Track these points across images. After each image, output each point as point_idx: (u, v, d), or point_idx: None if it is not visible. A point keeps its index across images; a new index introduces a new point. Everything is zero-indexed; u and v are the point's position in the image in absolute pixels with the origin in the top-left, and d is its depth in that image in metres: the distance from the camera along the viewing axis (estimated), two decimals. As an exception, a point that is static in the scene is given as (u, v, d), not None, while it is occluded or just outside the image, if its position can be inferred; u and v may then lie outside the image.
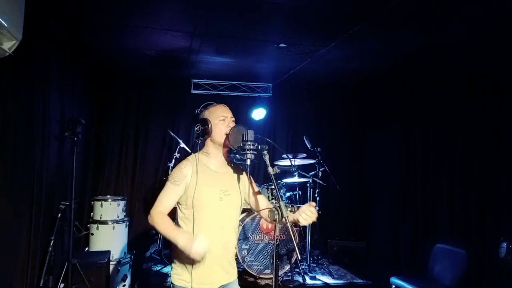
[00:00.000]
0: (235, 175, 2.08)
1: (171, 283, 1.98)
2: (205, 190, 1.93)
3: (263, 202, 2.13)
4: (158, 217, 1.89)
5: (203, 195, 1.93)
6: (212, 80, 5.64)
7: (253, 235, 4.39)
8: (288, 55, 4.28)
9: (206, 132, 1.98)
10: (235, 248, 2.10)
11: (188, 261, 1.90)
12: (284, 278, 4.39)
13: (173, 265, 2.01)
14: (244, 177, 2.11)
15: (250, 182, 2.12)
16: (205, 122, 1.99)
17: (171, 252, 2.04)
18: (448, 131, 4.41)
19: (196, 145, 2.04)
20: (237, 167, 2.12)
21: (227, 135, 1.94)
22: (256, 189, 2.15)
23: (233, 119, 2.04)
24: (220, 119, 1.99)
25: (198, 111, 2.09)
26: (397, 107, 5.44)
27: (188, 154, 5.30)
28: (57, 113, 3.80)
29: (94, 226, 4.12)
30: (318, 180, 4.95)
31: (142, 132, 5.86)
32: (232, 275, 2.05)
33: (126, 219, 4.39)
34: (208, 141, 2.04)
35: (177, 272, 1.96)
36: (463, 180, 4.16)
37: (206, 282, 1.92)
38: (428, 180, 4.70)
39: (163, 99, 5.92)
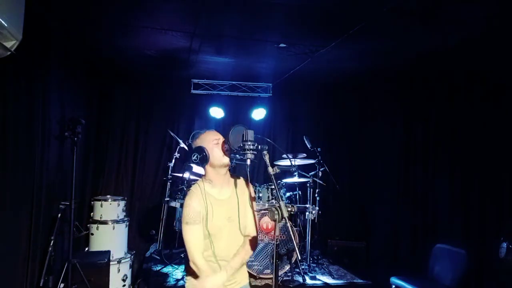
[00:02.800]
0: (238, 196, 2.11)
1: None
2: (215, 221, 2.00)
3: (249, 226, 2.15)
4: (205, 267, 1.95)
5: (213, 226, 1.99)
6: (212, 80, 5.64)
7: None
8: (288, 55, 4.28)
9: (205, 160, 1.99)
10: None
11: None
12: (284, 278, 4.39)
13: (187, 277, 2.11)
14: (246, 193, 2.14)
15: (245, 200, 2.12)
16: (201, 150, 2.00)
17: (186, 266, 2.13)
18: (448, 131, 4.41)
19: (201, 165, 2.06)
20: (239, 184, 2.14)
21: (224, 141, 1.99)
22: (249, 210, 2.16)
23: (223, 140, 2.06)
24: (214, 143, 2.02)
25: (190, 142, 2.14)
26: (397, 107, 5.44)
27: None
28: (57, 113, 3.80)
29: (94, 226, 4.12)
30: (318, 180, 4.95)
31: (142, 132, 5.86)
32: (242, 281, 2.15)
33: (126, 219, 4.40)
34: (207, 168, 2.05)
35: (192, 284, 2.05)
36: (463, 180, 4.16)
37: None
38: (428, 180, 4.70)
39: (163, 99, 5.92)
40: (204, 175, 2.09)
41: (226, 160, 2.01)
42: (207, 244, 2.01)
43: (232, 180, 2.14)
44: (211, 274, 1.97)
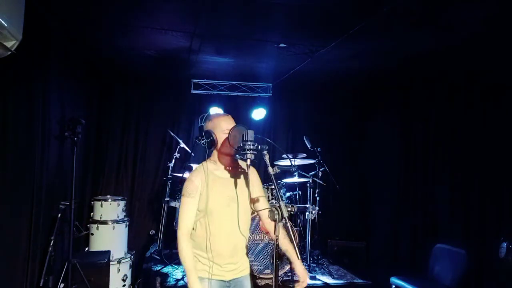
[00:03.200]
0: (242, 179, 2.12)
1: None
2: (215, 198, 2.01)
3: (263, 204, 2.17)
4: (186, 246, 1.99)
5: (213, 203, 2.01)
6: (212, 80, 5.64)
7: (253, 235, 4.39)
8: (288, 55, 4.28)
9: (212, 145, 2.04)
10: (246, 248, 2.18)
11: (200, 258, 2.04)
12: (284, 278, 4.39)
13: None
14: (252, 177, 2.14)
15: (253, 184, 2.15)
16: (209, 135, 2.05)
17: None
18: (448, 131, 4.41)
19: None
20: (244, 169, 2.13)
21: (226, 138, 1.98)
22: (259, 193, 2.18)
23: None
24: (225, 133, 2.03)
25: (202, 124, 2.14)
26: (397, 107, 5.44)
27: (188, 154, 5.35)
28: (57, 113, 3.80)
29: (94, 226, 4.12)
30: (318, 180, 4.95)
31: (142, 132, 5.86)
32: (244, 270, 2.17)
33: (126, 219, 4.39)
34: (214, 151, 2.10)
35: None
36: (463, 180, 4.16)
37: (219, 274, 2.05)
38: (428, 180, 4.71)
39: (163, 99, 5.92)
40: (209, 157, 2.13)
41: (233, 151, 2.02)
42: (202, 223, 2.02)
43: (237, 165, 2.15)
44: (190, 254, 1.99)
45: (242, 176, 2.13)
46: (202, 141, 2.04)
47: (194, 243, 2.08)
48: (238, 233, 2.07)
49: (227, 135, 2.01)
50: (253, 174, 2.18)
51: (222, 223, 2.03)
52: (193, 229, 2.09)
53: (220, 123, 2.08)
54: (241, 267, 2.14)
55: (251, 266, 4.30)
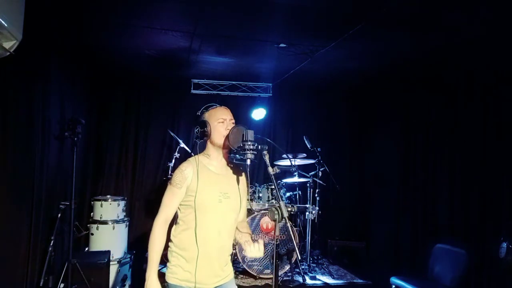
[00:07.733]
0: (235, 177, 2.09)
1: (166, 282, 2.02)
2: (206, 192, 1.95)
3: (242, 215, 2.19)
4: (160, 235, 1.98)
5: (204, 197, 1.94)
6: (212, 80, 5.64)
7: (253, 235, 4.39)
8: (288, 55, 4.28)
9: (205, 134, 1.98)
10: (232, 250, 2.15)
11: (184, 261, 1.98)
12: (284, 278, 4.39)
13: (168, 264, 2.06)
14: (243, 179, 2.12)
15: (247, 186, 2.15)
16: (204, 124, 1.99)
17: (168, 251, 2.08)
18: (448, 131, 4.41)
19: (196, 145, 2.04)
20: (237, 169, 2.13)
21: (226, 136, 1.95)
22: (244, 194, 2.16)
23: (233, 121, 2.04)
24: (219, 121, 1.99)
25: (199, 113, 2.10)
26: (397, 107, 5.44)
27: (188, 154, 5.35)
28: (57, 113, 3.80)
29: (94, 226, 4.12)
30: (318, 180, 4.95)
31: (142, 132, 5.85)
32: (227, 276, 2.09)
33: (126, 219, 4.40)
34: (208, 143, 2.05)
35: (172, 271, 2.01)
36: (463, 180, 4.16)
37: (201, 282, 1.95)
38: (428, 180, 4.70)
39: (163, 99, 5.92)
40: (204, 150, 2.07)
41: (223, 141, 1.98)
42: (189, 218, 1.95)
43: (231, 166, 2.12)
44: (161, 245, 2.00)
45: (234, 173, 2.10)
46: (196, 130, 1.99)
47: (177, 241, 2.02)
48: (227, 231, 2.02)
49: (221, 124, 1.98)
50: (243, 174, 2.14)
51: (213, 219, 1.95)
52: (176, 223, 2.03)
53: (216, 113, 2.02)
54: (226, 272, 2.06)
55: (251, 266, 4.32)
